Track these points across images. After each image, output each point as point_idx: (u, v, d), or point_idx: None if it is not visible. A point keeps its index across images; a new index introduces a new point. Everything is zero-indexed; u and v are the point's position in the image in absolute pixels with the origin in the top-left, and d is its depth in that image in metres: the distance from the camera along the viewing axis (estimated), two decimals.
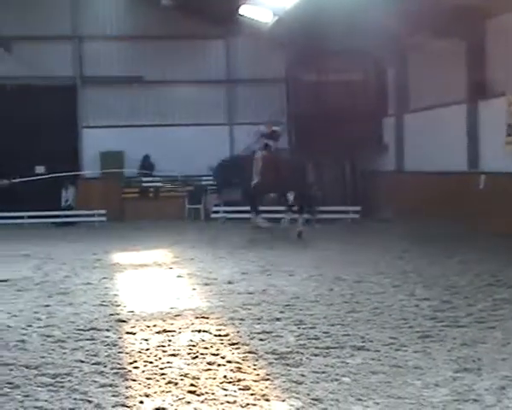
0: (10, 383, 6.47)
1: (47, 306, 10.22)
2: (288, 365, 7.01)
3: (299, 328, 8.59)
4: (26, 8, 27.22)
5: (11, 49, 27.34)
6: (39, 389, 6.33)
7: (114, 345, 7.86)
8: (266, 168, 19.14)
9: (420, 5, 19.27)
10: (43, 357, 7.39)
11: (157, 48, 28.14)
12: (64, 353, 7.57)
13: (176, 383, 6.45)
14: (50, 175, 20.15)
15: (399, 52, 25.41)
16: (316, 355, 7.35)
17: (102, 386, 6.38)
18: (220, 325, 8.79)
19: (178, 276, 12.96)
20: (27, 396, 6.11)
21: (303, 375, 6.66)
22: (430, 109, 23.25)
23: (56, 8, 27.73)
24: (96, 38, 28.15)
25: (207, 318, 9.19)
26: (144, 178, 27.52)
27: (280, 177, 18.96)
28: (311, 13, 21.70)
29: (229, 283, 12.01)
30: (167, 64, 28.14)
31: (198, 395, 6.14)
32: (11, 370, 6.93)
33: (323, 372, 6.74)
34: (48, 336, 8.31)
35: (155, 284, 12.03)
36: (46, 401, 5.99)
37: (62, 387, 6.36)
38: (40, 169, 27.07)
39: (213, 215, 25.63)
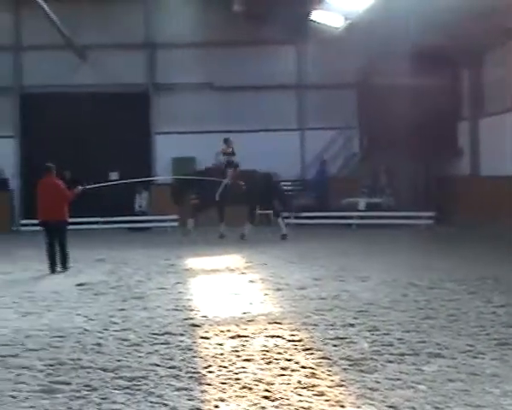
0: (88, 386, 6.59)
1: (122, 310, 10.37)
2: (362, 371, 6.95)
3: (372, 334, 8.50)
4: (100, 16, 27.74)
5: (86, 57, 27.89)
6: (116, 391, 6.41)
7: (189, 349, 7.92)
8: (233, 183, 21.48)
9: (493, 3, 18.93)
10: (119, 360, 7.50)
11: (227, 54, 28.33)
12: (140, 356, 7.66)
13: (250, 388, 6.46)
14: (120, 181, 20.68)
15: (474, 53, 24.99)
16: (390, 362, 7.26)
17: (178, 390, 6.43)
18: (293, 330, 8.77)
19: (250, 281, 12.99)
20: (105, 399, 6.21)
21: (378, 382, 6.60)
22: (507, 112, 22.79)
23: (130, 16, 28.19)
24: (167, 46, 28.47)
25: (280, 323, 9.18)
26: None
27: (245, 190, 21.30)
28: (383, 16, 21.53)
29: (302, 288, 11.98)
30: (237, 70, 28.26)
31: (272, 401, 6.14)
32: (88, 373, 7.05)
33: (398, 379, 6.66)
34: (124, 340, 8.43)
35: (228, 289, 12.07)
36: (123, 403, 6.08)
37: (139, 390, 6.44)
38: (114, 175, 27.51)
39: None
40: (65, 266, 15.02)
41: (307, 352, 7.73)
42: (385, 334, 8.49)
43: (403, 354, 7.53)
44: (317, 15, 24.42)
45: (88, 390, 6.46)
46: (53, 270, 14.80)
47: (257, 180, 21.91)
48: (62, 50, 27.07)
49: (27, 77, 28.02)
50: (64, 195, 15.19)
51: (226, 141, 22.70)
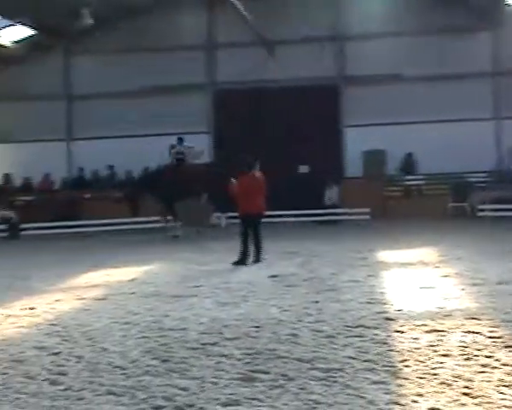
0: (285, 376, 6.66)
1: (316, 302, 10.42)
2: None
3: None
4: (290, 11, 28.09)
5: (275, 52, 28.36)
6: (313, 382, 6.44)
7: (384, 343, 7.82)
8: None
9: None
10: (314, 351, 7.54)
11: (416, 43, 27.84)
12: (334, 348, 7.66)
13: (449, 384, 6.27)
14: None
15: None
16: None
17: (374, 383, 6.36)
18: (492, 326, 8.44)
19: (445, 275, 12.66)
20: (302, 389, 6.25)
21: None
22: None
23: (319, 9, 28.33)
24: (356, 37, 28.38)
25: (478, 319, 8.86)
26: (407, 177, 27.32)
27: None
28: None
29: (500, 283, 11.51)
30: (426, 59, 27.69)
31: (473, 398, 5.92)
32: (285, 363, 7.14)
33: None
34: (318, 332, 8.46)
35: (421, 283, 11.83)
36: (320, 394, 6.09)
37: (335, 382, 6.43)
38: (304, 168, 27.81)
39: (480, 213, 24.81)
40: (258, 258, 15.34)
41: (508, 349, 7.40)
42: None
43: None
44: None
45: (285, 380, 6.54)
46: (246, 261, 15.15)
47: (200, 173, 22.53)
48: (253, 47, 27.72)
49: (220, 74, 28.90)
50: (265, 188, 15.52)
51: (180, 141, 23.12)
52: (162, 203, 22.27)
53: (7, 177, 29.02)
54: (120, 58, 29.01)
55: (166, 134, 28.26)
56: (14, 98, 29.44)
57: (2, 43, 26.97)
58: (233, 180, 15.51)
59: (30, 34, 27.38)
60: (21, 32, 27.07)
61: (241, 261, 15.08)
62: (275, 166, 26.43)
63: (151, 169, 26.12)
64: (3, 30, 26.17)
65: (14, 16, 25.03)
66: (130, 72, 28.81)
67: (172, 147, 22.77)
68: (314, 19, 28.27)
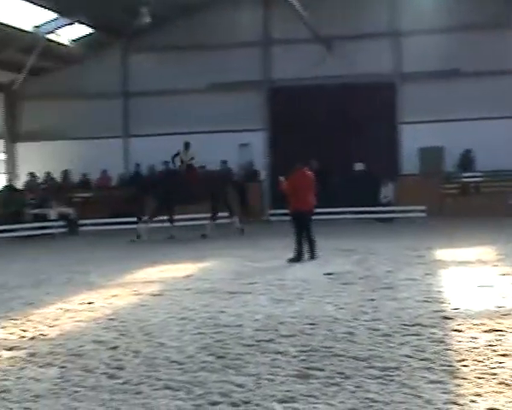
0: (341, 374, 6.64)
1: (372, 300, 10.37)
2: None
3: None
4: (346, 7, 27.94)
5: (332, 48, 28.24)
6: (369, 380, 6.40)
7: (441, 342, 7.73)
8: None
9: None
10: (370, 350, 7.50)
11: (474, 38, 27.42)
12: (391, 347, 7.60)
13: (508, 385, 6.17)
14: None
15: None
16: None
17: (431, 382, 6.29)
18: None
19: (503, 274, 12.46)
20: (358, 387, 6.22)
21: None
22: None
23: (375, 5, 28.14)
24: (412, 33, 28.08)
25: None
26: (465, 174, 26.95)
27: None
28: None
29: None
30: (484, 54, 27.25)
31: None
32: (341, 361, 7.11)
33: None
34: (374, 330, 8.41)
35: (479, 282, 11.66)
36: (377, 393, 6.05)
37: (392, 380, 6.38)
38: (359, 166, 27.64)
39: None
40: (313, 255, 15.31)
41: None
42: None
43: None
44: None
45: (341, 378, 6.52)
46: (300, 258, 15.13)
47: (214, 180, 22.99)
48: (309, 43, 27.65)
49: (276, 70, 28.90)
50: (314, 185, 15.52)
51: (187, 146, 22.75)
52: (159, 204, 22.50)
53: (65, 173, 29.50)
54: (177, 55, 29.22)
55: (222, 131, 28.43)
56: (72, 96, 29.90)
57: (62, 42, 27.39)
58: (282, 178, 15.52)
59: (88, 33, 27.76)
60: (80, 30, 27.45)
61: (296, 259, 15.08)
62: (330, 164, 26.41)
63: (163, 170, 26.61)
64: (62, 29, 26.56)
65: (73, 15, 25.40)
66: (186, 69, 29.01)
67: (176, 154, 22.88)
68: (371, 15, 28.09)
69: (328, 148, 27.49)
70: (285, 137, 28.02)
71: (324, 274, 13.15)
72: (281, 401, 5.89)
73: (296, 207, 15.44)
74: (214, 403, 5.93)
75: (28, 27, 25.11)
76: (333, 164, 26.71)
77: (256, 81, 28.85)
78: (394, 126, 28.55)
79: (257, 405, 5.86)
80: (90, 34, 27.91)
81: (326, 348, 7.63)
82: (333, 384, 6.33)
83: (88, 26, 26.97)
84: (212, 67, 28.72)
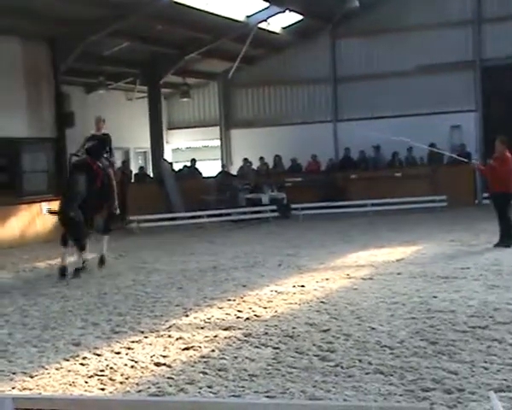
0: None
1: None
2: None
3: None
4: None
5: None
6: None
7: None
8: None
9: None
10: None
11: None
12: None
13: None
14: None
15: None
16: None
17: None
18: None
19: None
20: None
21: None
22: None
23: None
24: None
25: None
26: None
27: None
28: None
29: None
30: None
31: None
32: None
33: None
34: None
35: None
36: None
37: None
38: None
39: None
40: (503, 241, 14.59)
41: None
42: None
43: None
44: None
45: None
46: (507, 243, 14.51)
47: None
48: None
49: (488, 50, 27.86)
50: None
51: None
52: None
53: (277, 159, 30.17)
54: (384, 39, 28.89)
55: (432, 113, 27.84)
56: (283, 83, 30.49)
57: (273, 30, 27.97)
58: (474, 162, 14.98)
59: (298, 20, 28.14)
60: (290, 18, 27.87)
61: (502, 243, 14.52)
62: None
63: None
64: (273, 17, 27.10)
65: (283, 3, 25.85)
66: (393, 52, 28.64)
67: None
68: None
69: None
70: (497, 118, 26.91)
71: None
72: (496, 390, 5.73)
73: (497, 190, 14.85)
74: (427, 389, 5.89)
75: (240, 17, 25.86)
76: None
77: (467, 61, 27.93)
78: None
79: (471, 393, 5.75)
80: (300, 21, 28.29)
81: None
82: None
83: (297, 13, 27.34)
84: (420, 49, 28.17)
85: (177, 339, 8.05)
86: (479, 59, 28.03)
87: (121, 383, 6.53)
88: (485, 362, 6.52)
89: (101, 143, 14.48)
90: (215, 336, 8.08)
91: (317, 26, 29.46)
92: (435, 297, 9.67)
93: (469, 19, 27.99)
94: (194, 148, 33.43)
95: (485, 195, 24.14)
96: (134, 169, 29.55)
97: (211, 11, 23.71)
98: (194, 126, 32.68)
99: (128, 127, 28.86)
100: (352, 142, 28.52)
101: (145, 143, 29.00)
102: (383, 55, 28.79)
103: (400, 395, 5.78)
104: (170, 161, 29.57)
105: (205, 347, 7.65)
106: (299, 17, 27.83)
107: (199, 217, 24.17)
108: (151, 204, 24.13)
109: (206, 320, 9.00)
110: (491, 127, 26.91)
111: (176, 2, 21.73)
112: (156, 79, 27.96)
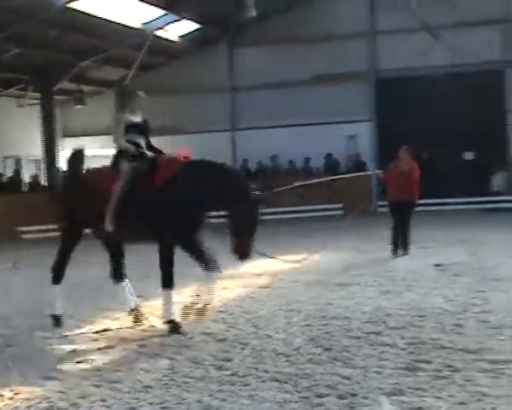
0: (450, 366, 6.54)
1: (482, 292, 10.16)
2: None
3: None
4: None
5: (438, 37, 27.59)
6: (479, 374, 6.29)
7: None
8: None
9: None
10: (480, 342, 7.35)
11: None
12: (501, 339, 7.45)
13: None
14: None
15: None
16: None
17: None
18: None
19: None
20: (468, 380, 6.12)
21: None
22: None
23: None
24: None
25: None
26: None
27: None
28: None
29: None
30: None
31: None
32: (449, 353, 7.01)
33: None
34: (484, 322, 8.24)
35: None
36: (487, 386, 5.93)
37: (502, 374, 6.25)
38: (469, 155, 27.07)
39: None
40: (406, 249, 14.90)
41: None
42: None
43: None
44: None
45: (450, 371, 6.42)
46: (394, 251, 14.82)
47: None
48: (415, 33, 27.11)
49: (382, 61, 28.52)
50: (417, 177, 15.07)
51: None
52: None
53: None
54: (281, 48, 29.16)
55: (328, 123, 28.29)
56: (180, 91, 30.36)
57: (170, 38, 27.84)
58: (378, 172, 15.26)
59: (195, 28, 28.11)
60: (187, 26, 27.81)
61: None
62: (439, 154, 25.95)
63: None
64: (172, 25, 26.97)
65: (181, 11, 25.77)
66: (291, 62, 28.94)
67: None
68: (477, 1, 27.29)
69: (436, 138, 26.85)
70: (392, 127, 27.60)
71: (434, 265, 12.96)
72: (388, 394, 5.85)
73: (393, 199, 15.16)
74: (321, 395, 5.95)
75: (137, 24, 25.63)
76: (442, 154, 26.22)
77: (362, 72, 28.53)
78: (503, 114, 27.71)
79: (364, 397, 5.84)
80: (198, 29, 28.27)
81: (434, 340, 7.55)
82: (441, 377, 6.25)
83: (195, 21, 27.32)
84: (317, 59, 28.61)
85: (69, 352, 7.87)
86: (374, 70, 28.68)
87: (11, 398, 6.32)
88: (378, 367, 6.64)
89: None
90: (110, 348, 7.94)
91: (215, 35, 29.51)
92: (331, 304, 9.80)
93: (365, 31, 28.59)
94: (91, 156, 32.81)
95: (381, 203, 24.77)
96: (26, 178, 28.77)
97: (106, 18, 23.38)
98: (90, 134, 32.12)
99: (20, 135, 28.15)
100: (250, 150, 28.66)
101: (38, 150, 28.34)
102: (281, 65, 29.04)
103: (295, 403, 5.82)
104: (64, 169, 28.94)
105: (99, 359, 7.51)
106: (197, 26, 27.80)
107: None
108: (43, 213, 23.50)
109: (101, 332, 8.84)
110: (385, 137, 27.59)
111: (69, 8, 21.33)
112: (49, 85, 27.34)
